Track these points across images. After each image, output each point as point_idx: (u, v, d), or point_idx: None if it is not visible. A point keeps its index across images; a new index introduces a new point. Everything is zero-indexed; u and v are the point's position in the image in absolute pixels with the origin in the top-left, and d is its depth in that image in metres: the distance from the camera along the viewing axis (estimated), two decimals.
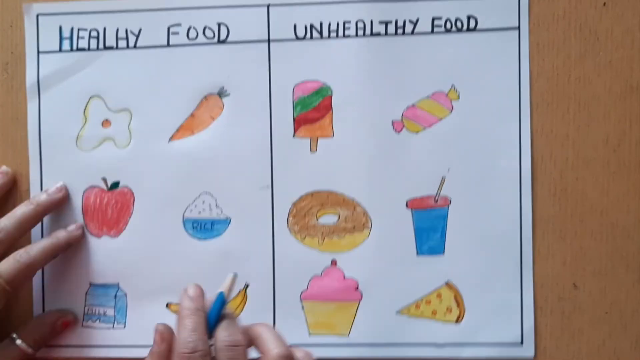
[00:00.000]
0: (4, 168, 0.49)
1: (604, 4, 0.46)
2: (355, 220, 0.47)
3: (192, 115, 0.48)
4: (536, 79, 0.46)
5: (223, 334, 0.39)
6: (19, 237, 0.46)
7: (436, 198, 0.47)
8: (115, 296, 0.49)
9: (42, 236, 0.49)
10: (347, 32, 0.47)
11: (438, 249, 0.47)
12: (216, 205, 0.48)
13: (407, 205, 0.47)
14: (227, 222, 0.48)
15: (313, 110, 0.47)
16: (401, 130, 0.47)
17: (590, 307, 0.46)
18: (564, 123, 0.46)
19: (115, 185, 0.48)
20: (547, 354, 0.46)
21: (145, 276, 0.48)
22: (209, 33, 0.47)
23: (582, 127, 0.46)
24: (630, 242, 0.46)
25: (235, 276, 0.41)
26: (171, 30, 0.48)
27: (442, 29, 0.46)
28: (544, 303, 0.46)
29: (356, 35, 0.47)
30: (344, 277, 0.47)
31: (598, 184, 0.46)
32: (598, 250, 0.46)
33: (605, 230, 0.46)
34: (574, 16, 0.46)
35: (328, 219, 0.48)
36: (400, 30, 0.47)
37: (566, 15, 0.46)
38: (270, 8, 0.47)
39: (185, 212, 0.48)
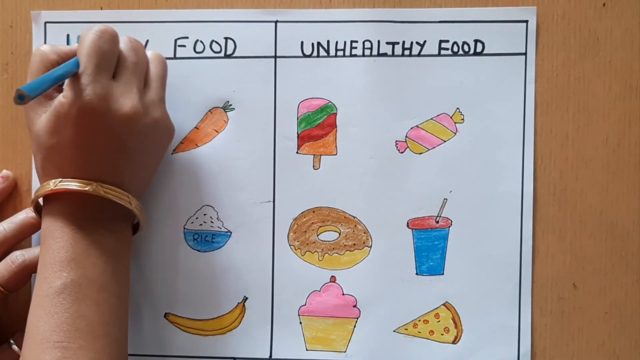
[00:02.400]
0: (5, 172, 0.49)
1: (604, 4, 0.46)
2: (355, 238, 0.47)
3: (196, 127, 0.48)
4: (536, 79, 0.47)
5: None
6: (17, 242, 0.46)
7: (437, 219, 0.47)
8: None
9: None
10: (353, 51, 0.47)
11: (437, 269, 0.47)
12: (217, 218, 0.48)
13: (408, 225, 0.47)
14: (227, 235, 0.48)
15: (317, 127, 0.47)
16: (404, 150, 0.47)
17: (590, 307, 0.47)
18: (563, 123, 0.47)
19: None
20: (547, 354, 0.47)
21: (144, 286, 0.48)
22: (215, 47, 0.48)
23: (581, 127, 0.46)
24: (630, 242, 0.46)
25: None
26: (178, 42, 0.48)
27: (449, 51, 0.47)
28: (543, 303, 0.47)
29: (363, 54, 0.47)
30: (343, 293, 0.48)
31: (597, 184, 0.46)
32: (598, 250, 0.47)
33: (605, 230, 0.47)
34: (574, 16, 0.46)
35: (329, 235, 0.48)
36: (407, 52, 0.47)
37: (566, 16, 0.46)
38: (278, 24, 0.47)
39: (186, 223, 0.48)
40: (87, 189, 0.41)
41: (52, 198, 0.42)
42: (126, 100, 0.41)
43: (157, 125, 0.43)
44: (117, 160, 0.42)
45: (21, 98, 0.36)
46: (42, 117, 0.41)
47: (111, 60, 0.41)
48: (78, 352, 0.38)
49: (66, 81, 0.40)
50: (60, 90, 0.41)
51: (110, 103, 0.40)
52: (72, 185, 0.41)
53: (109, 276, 0.41)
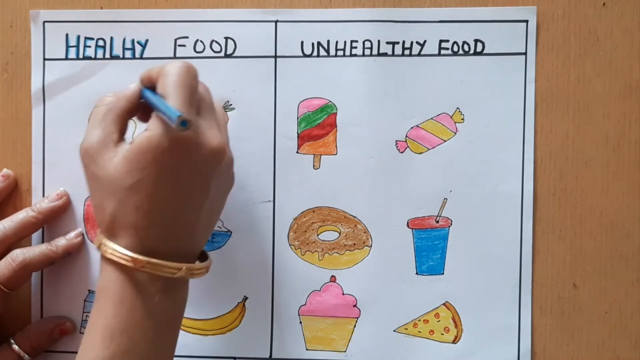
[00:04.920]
0: (5, 171, 0.49)
1: (604, 4, 0.46)
2: (355, 238, 0.47)
3: None
4: (536, 79, 0.47)
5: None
6: (17, 241, 0.47)
7: (437, 219, 0.47)
8: None
9: (42, 240, 0.49)
10: (354, 51, 0.47)
11: (437, 269, 0.47)
12: None
13: (408, 224, 0.47)
14: (228, 235, 0.48)
15: (317, 127, 0.47)
16: (405, 150, 0.47)
17: (590, 306, 0.47)
18: (563, 123, 0.47)
19: None
20: (547, 354, 0.47)
21: None
22: (216, 47, 0.47)
23: (581, 127, 0.46)
24: (630, 242, 0.46)
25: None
26: (178, 42, 0.48)
27: (449, 51, 0.47)
28: (543, 303, 0.47)
29: (363, 54, 0.47)
30: (343, 293, 0.48)
31: (598, 183, 0.46)
32: (598, 250, 0.47)
33: (605, 230, 0.47)
34: (574, 16, 0.46)
35: (329, 235, 0.48)
36: (407, 51, 0.47)
37: (566, 15, 0.46)
38: (278, 24, 0.47)
39: None
40: (177, 275, 0.38)
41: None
42: (213, 134, 0.39)
43: (229, 168, 0.42)
44: (196, 201, 0.39)
45: (184, 124, 0.34)
46: (115, 159, 0.38)
47: (196, 96, 0.39)
48: None
49: (154, 117, 0.38)
50: (122, 137, 0.40)
51: (199, 136, 0.38)
52: (163, 269, 0.38)
53: (156, 350, 0.39)
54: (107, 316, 0.37)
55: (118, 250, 0.38)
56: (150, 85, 0.40)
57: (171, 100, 0.37)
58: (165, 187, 0.37)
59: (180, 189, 0.38)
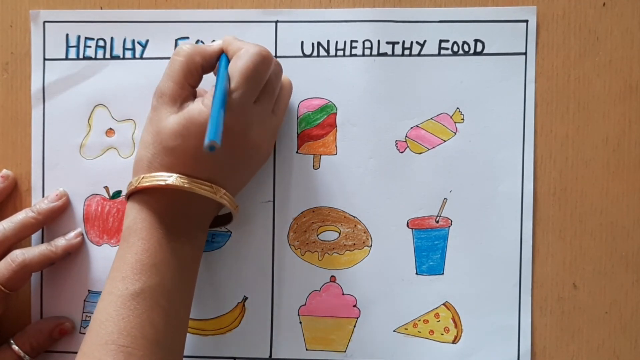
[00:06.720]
0: (5, 172, 0.49)
1: (604, 4, 0.46)
2: (355, 238, 0.47)
3: None
4: (536, 79, 0.47)
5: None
6: (16, 242, 0.47)
7: (437, 219, 0.47)
8: None
9: (42, 241, 0.49)
10: (354, 51, 0.47)
11: (437, 269, 0.47)
12: None
13: (408, 224, 0.47)
14: (227, 235, 0.48)
15: (317, 127, 0.47)
16: (404, 150, 0.47)
17: (590, 307, 0.47)
18: (563, 123, 0.47)
19: (117, 194, 0.48)
20: (547, 354, 0.47)
21: None
22: None
23: (581, 127, 0.47)
24: (630, 242, 0.46)
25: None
26: (179, 42, 0.48)
27: (449, 51, 0.47)
28: (543, 303, 0.47)
29: (363, 54, 0.47)
30: (343, 293, 0.48)
31: (597, 183, 0.47)
32: (598, 250, 0.47)
33: (605, 230, 0.47)
34: (574, 16, 0.46)
35: (328, 235, 0.48)
36: (407, 51, 0.47)
37: (566, 15, 0.46)
38: (278, 24, 0.47)
39: None
40: (215, 197, 0.41)
41: (144, 194, 0.41)
42: (260, 129, 0.42)
43: (269, 152, 0.45)
44: (226, 172, 0.42)
45: (212, 149, 0.35)
46: (173, 117, 0.40)
47: (261, 85, 0.41)
48: None
49: (212, 90, 0.39)
50: (194, 92, 0.42)
51: (246, 128, 0.40)
52: (197, 187, 0.40)
53: (181, 288, 0.41)
54: (137, 252, 0.40)
55: (155, 177, 0.40)
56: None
57: (232, 84, 0.39)
58: (200, 160, 0.40)
59: (211, 164, 0.41)
